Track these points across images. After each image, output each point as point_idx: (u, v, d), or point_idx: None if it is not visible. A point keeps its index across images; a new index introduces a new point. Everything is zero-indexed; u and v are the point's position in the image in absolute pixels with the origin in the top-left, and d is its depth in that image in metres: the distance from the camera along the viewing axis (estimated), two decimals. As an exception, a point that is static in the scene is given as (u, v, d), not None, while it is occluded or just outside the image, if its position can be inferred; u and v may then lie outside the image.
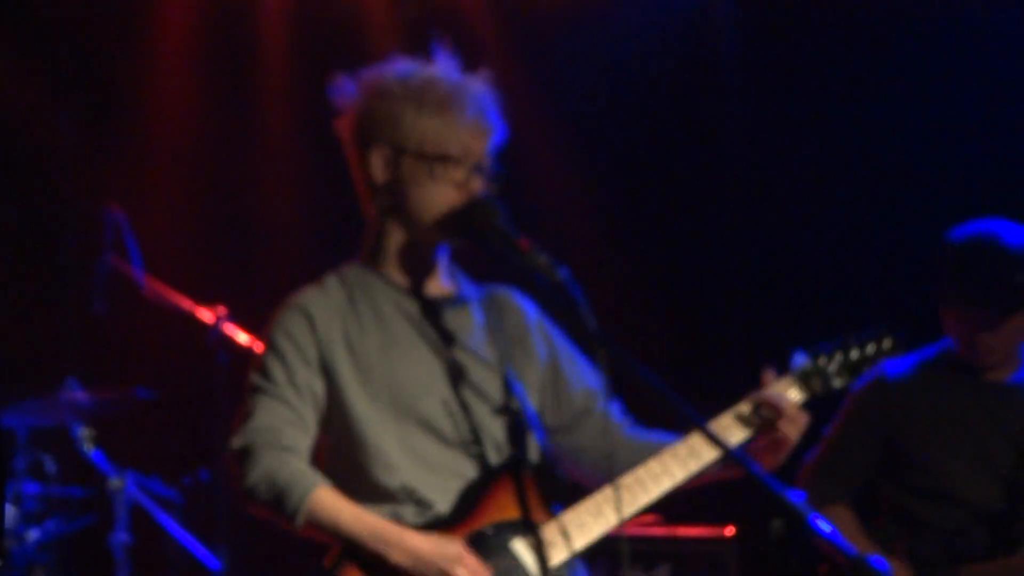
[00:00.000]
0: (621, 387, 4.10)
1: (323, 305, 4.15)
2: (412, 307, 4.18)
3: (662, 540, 6.50)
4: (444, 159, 4.12)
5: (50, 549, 6.57)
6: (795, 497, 3.83)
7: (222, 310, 6.46)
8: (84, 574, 6.86)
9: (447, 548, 3.97)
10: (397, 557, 3.95)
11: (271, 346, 4.12)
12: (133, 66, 7.90)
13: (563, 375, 4.33)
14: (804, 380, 4.36)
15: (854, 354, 4.49)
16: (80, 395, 6.55)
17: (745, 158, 8.01)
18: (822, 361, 4.42)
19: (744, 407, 4.21)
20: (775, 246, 7.94)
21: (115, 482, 6.55)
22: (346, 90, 4.27)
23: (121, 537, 6.55)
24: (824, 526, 3.82)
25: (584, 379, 4.35)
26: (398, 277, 4.21)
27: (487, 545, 4.07)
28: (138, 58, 7.92)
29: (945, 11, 7.59)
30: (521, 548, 4.06)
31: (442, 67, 4.24)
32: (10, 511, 6.39)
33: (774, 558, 5.96)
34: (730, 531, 6.50)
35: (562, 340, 4.39)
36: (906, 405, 5.40)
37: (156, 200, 7.71)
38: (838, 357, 4.46)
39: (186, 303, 6.52)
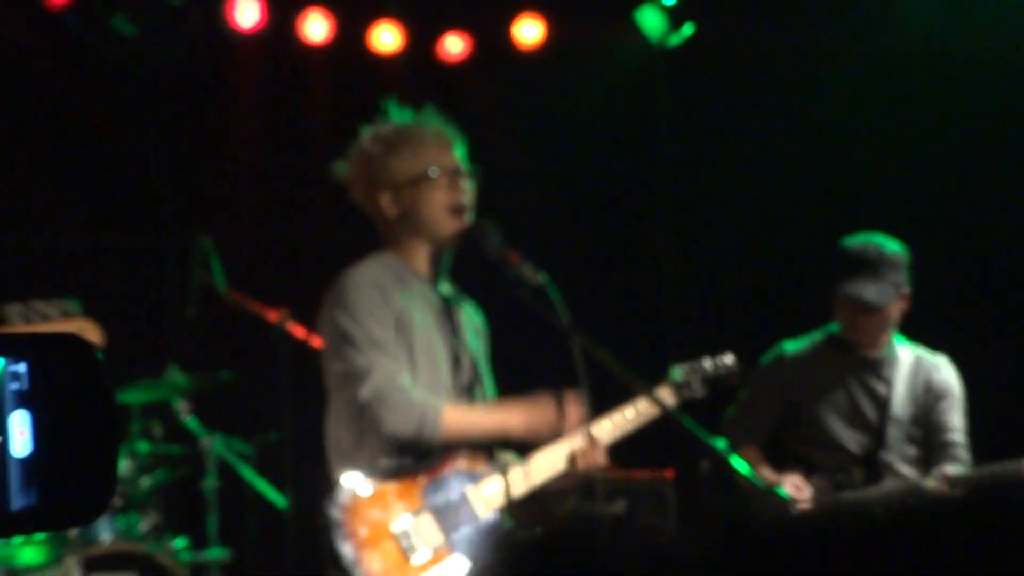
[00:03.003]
0: (592, 368, 4.13)
1: (388, 284, 4.20)
2: (435, 300, 4.33)
3: (618, 480, 6.19)
4: (426, 176, 4.23)
5: (157, 493, 6.49)
6: (718, 444, 4.14)
7: (285, 311, 6.33)
8: (183, 512, 6.73)
9: (540, 414, 4.14)
10: (518, 433, 4.16)
11: (370, 312, 4.11)
12: (214, 121, 7.84)
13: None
14: (678, 389, 4.63)
15: (711, 370, 4.74)
16: (179, 377, 6.53)
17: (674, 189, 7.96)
18: (689, 375, 4.67)
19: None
20: (700, 258, 7.92)
21: (206, 441, 6.61)
22: (344, 169, 4.41)
23: (211, 483, 6.60)
24: (741, 465, 4.14)
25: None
26: (422, 274, 4.34)
27: (445, 487, 4.14)
28: (217, 114, 7.85)
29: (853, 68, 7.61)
30: (471, 492, 4.17)
31: (399, 115, 4.39)
32: (127, 464, 6.27)
33: (703, 492, 5.60)
34: (670, 473, 6.44)
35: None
36: (799, 375, 5.58)
37: (234, 228, 7.66)
38: (700, 372, 4.72)
39: (257, 307, 6.45)
